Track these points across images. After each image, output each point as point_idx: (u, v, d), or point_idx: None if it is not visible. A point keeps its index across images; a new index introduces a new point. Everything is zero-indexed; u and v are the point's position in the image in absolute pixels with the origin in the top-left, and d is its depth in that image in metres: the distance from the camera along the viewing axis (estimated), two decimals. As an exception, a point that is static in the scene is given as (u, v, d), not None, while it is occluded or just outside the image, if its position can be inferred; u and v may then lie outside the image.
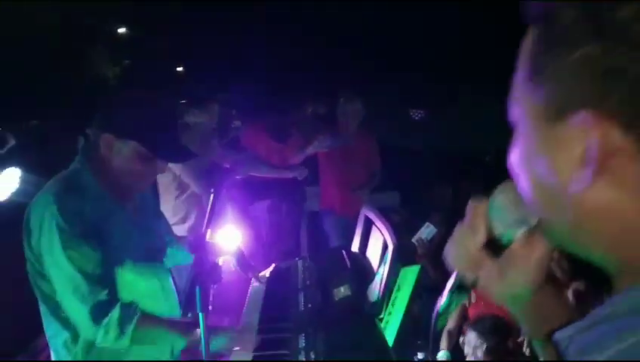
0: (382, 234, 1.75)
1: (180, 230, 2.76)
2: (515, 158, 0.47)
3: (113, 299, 1.34)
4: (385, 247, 1.69)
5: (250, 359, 1.50)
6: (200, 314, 1.25)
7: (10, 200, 2.54)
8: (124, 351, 1.39)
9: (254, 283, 2.10)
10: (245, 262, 2.08)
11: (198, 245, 1.32)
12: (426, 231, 2.94)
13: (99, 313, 1.32)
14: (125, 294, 1.40)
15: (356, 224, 3.44)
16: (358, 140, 3.62)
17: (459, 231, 0.62)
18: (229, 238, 2.40)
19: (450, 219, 3.95)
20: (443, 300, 1.56)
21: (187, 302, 1.25)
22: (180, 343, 1.45)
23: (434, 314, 1.70)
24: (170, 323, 1.43)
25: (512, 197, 0.54)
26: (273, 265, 2.31)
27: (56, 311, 1.40)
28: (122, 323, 1.33)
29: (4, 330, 2.62)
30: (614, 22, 0.36)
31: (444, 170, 4.88)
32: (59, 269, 1.33)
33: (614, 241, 0.41)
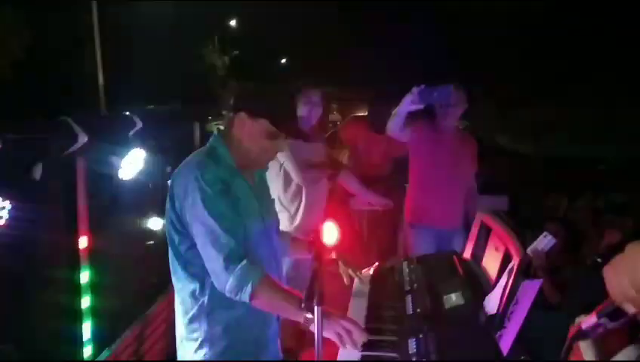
0: (503, 243, 1.63)
1: (282, 216, 2.82)
2: None
3: (244, 252, 1.50)
4: (506, 258, 1.57)
5: (358, 358, 1.47)
6: (316, 308, 1.24)
7: (135, 179, 2.74)
8: (240, 306, 1.53)
9: (357, 282, 2.07)
10: (347, 259, 2.06)
11: (316, 241, 1.33)
12: (544, 241, 2.72)
13: (232, 262, 1.47)
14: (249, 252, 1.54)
15: (447, 235, 3.19)
16: (457, 139, 3.25)
17: (621, 262, 0.60)
18: (329, 234, 2.39)
19: (565, 230, 3.66)
20: (592, 320, 1.41)
21: (307, 299, 1.24)
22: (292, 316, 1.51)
23: (575, 333, 1.56)
24: (291, 296, 1.49)
25: None
26: (376, 263, 2.26)
27: (187, 266, 1.58)
28: (249, 275, 1.46)
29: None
30: None
31: (559, 178, 4.54)
32: (200, 223, 1.50)
33: None
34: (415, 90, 2.73)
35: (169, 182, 1.62)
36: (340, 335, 1.42)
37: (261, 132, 1.59)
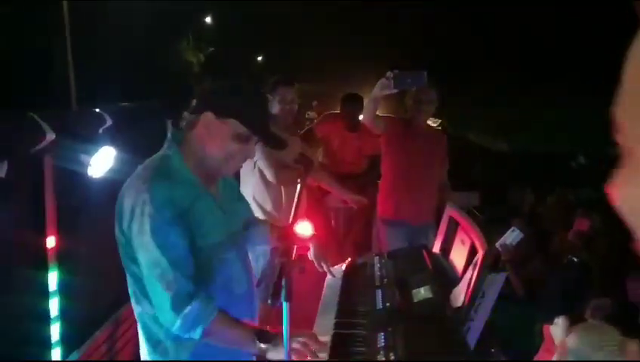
0: (469, 237, 1.67)
1: (257, 214, 2.82)
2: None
3: (196, 290, 1.37)
4: (473, 251, 1.61)
5: (327, 353, 1.48)
6: (285, 304, 1.25)
7: (105, 177, 2.70)
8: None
9: (329, 277, 2.08)
10: (322, 255, 2.06)
11: (286, 235, 1.32)
12: (512, 235, 2.78)
13: (180, 303, 1.35)
14: (207, 279, 1.43)
15: (420, 230, 3.24)
16: (430, 136, 3.32)
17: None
18: (304, 230, 2.40)
19: (531, 224, 3.75)
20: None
21: (274, 292, 1.24)
22: (248, 349, 1.45)
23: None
24: (243, 330, 1.42)
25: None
26: (349, 259, 2.28)
27: (146, 291, 1.43)
28: (199, 319, 1.35)
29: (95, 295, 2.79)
30: None
31: (527, 174, 4.64)
32: (147, 254, 1.37)
33: None
34: (389, 74, 2.72)
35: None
36: (297, 351, 1.39)
37: (229, 134, 1.43)
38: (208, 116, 1.43)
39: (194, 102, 1.50)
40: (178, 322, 1.34)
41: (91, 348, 2.55)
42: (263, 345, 1.37)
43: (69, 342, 2.46)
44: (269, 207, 2.88)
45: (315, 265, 2.03)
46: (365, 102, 3.14)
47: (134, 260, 1.42)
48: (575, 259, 3.25)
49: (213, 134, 1.44)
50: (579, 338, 1.57)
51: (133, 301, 1.51)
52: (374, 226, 3.89)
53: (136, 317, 1.52)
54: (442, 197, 3.27)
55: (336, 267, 2.18)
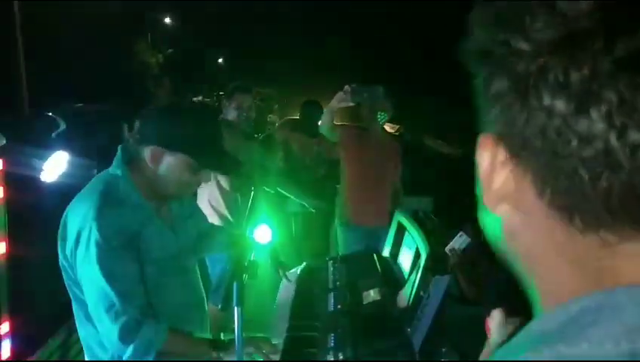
0: (414, 240, 1.76)
1: (213, 219, 2.85)
2: None
3: (144, 317, 1.35)
4: (417, 255, 1.70)
5: (279, 356, 1.54)
6: (236, 309, 1.30)
7: (58, 181, 2.67)
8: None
9: (284, 282, 2.14)
10: (277, 259, 2.11)
11: (237, 241, 1.37)
12: (459, 240, 2.91)
13: (129, 333, 1.33)
14: (157, 295, 1.43)
15: (375, 233, 3.36)
16: (384, 141, 3.43)
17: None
18: (262, 235, 2.45)
19: (480, 229, 3.90)
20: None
21: (226, 297, 1.29)
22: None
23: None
24: (197, 344, 1.44)
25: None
26: (304, 263, 2.34)
27: (90, 316, 1.40)
28: (150, 344, 1.35)
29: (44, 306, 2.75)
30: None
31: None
32: (93, 284, 1.33)
33: (525, 266, 0.42)
34: (347, 87, 2.84)
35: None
36: (249, 355, 1.42)
37: (181, 166, 1.38)
38: (155, 150, 1.38)
39: (139, 127, 1.45)
40: (129, 351, 1.33)
41: (45, 353, 2.51)
42: (217, 354, 1.41)
43: (22, 348, 2.41)
44: (224, 212, 2.91)
45: (272, 268, 2.08)
46: (324, 110, 3.24)
47: (78, 286, 1.39)
48: None
49: (163, 166, 1.39)
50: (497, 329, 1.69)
51: (77, 323, 1.47)
52: (332, 231, 3.98)
53: (80, 339, 1.48)
54: (395, 201, 3.40)
55: (292, 271, 2.24)
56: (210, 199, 2.89)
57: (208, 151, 1.41)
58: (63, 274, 1.42)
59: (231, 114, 2.91)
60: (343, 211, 3.46)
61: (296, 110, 4.22)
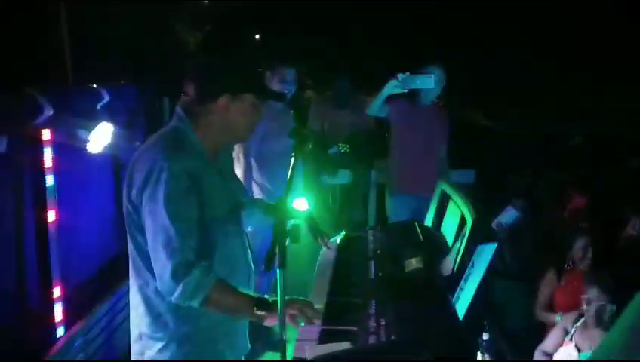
0: (459, 209, 1.71)
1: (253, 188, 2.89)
2: None
3: (198, 259, 1.39)
4: (462, 223, 1.65)
5: (320, 319, 1.53)
6: (278, 271, 1.30)
7: (103, 152, 2.73)
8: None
9: (324, 250, 2.14)
10: (316, 227, 2.11)
11: (277, 207, 1.36)
12: (507, 215, 2.85)
13: (181, 271, 1.36)
14: (209, 252, 1.46)
15: (424, 201, 3.36)
16: (433, 114, 3.44)
17: None
18: (300, 204, 2.45)
19: (530, 206, 3.79)
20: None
21: (268, 260, 1.29)
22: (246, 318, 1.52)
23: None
24: (242, 298, 1.46)
25: None
26: (343, 232, 2.33)
27: (148, 262, 1.44)
28: (198, 288, 1.38)
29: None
30: None
31: (525, 155, 4.68)
32: (155, 220, 1.39)
33: None
34: (400, 75, 3.04)
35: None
36: (293, 316, 1.43)
37: (249, 108, 1.51)
38: (225, 98, 1.47)
39: (199, 83, 1.50)
40: (179, 290, 1.37)
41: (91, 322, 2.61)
42: (260, 312, 1.42)
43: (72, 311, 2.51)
44: (264, 181, 2.93)
45: (312, 236, 2.09)
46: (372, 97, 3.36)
47: (140, 229, 1.44)
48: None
49: (234, 111, 1.49)
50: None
51: (133, 273, 1.53)
52: (371, 202, 3.99)
53: (135, 290, 1.53)
54: (442, 172, 3.39)
55: (331, 240, 2.24)
56: (248, 171, 2.91)
57: (266, 88, 1.64)
58: (126, 220, 1.48)
59: (275, 87, 2.90)
60: (393, 181, 3.54)
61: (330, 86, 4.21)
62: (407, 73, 3.02)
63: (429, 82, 3.06)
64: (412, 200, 3.35)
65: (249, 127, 1.56)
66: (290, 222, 1.42)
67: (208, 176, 1.47)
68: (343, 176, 3.93)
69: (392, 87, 3.10)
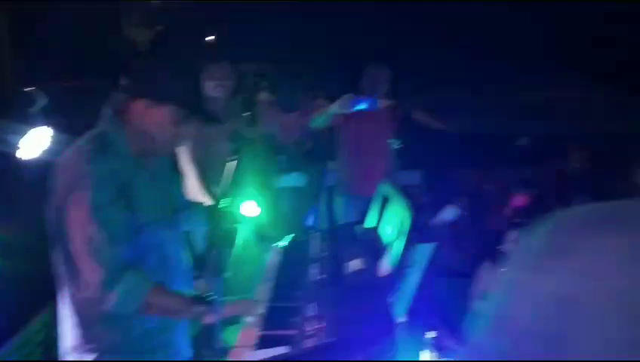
0: (399, 209, 1.75)
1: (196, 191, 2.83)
2: None
3: (129, 265, 1.35)
4: (401, 224, 1.68)
5: (259, 318, 1.53)
6: (216, 278, 1.29)
7: (41, 158, 2.62)
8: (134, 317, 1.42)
9: (272, 252, 2.14)
10: (263, 233, 2.11)
11: (214, 212, 1.35)
12: (447, 213, 2.92)
13: (113, 279, 1.32)
14: (143, 257, 1.43)
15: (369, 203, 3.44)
16: (382, 115, 3.46)
17: None
18: (249, 208, 2.43)
19: (474, 205, 3.91)
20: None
21: (203, 264, 1.27)
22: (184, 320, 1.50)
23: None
24: (179, 299, 1.44)
25: None
26: (291, 236, 2.33)
27: (77, 271, 1.38)
28: (132, 294, 1.34)
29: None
30: None
31: (472, 153, 4.81)
32: (83, 229, 1.33)
33: None
34: (346, 97, 3.18)
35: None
36: (231, 310, 1.45)
37: (167, 119, 1.42)
38: (143, 102, 1.41)
39: (125, 83, 1.46)
40: (112, 298, 1.32)
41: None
42: (199, 309, 1.40)
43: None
44: (207, 183, 2.89)
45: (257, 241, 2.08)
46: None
47: (65, 237, 1.37)
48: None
49: (150, 118, 1.42)
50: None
51: (61, 283, 1.46)
52: (321, 205, 4.00)
53: (64, 301, 1.47)
54: (389, 173, 3.43)
55: (278, 244, 2.24)
56: (191, 171, 2.86)
57: (195, 103, 1.46)
58: (50, 229, 1.41)
59: (207, 87, 2.83)
60: (343, 183, 3.57)
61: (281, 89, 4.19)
62: (352, 95, 3.17)
63: (374, 105, 3.21)
64: (362, 201, 3.38)
65: (164, 139, 1.47)
66: (226, 227, 1.41)
67: (138, 179, 1.43)
68: (295, 179, 3.93)
69: (337, 108, 3.19)
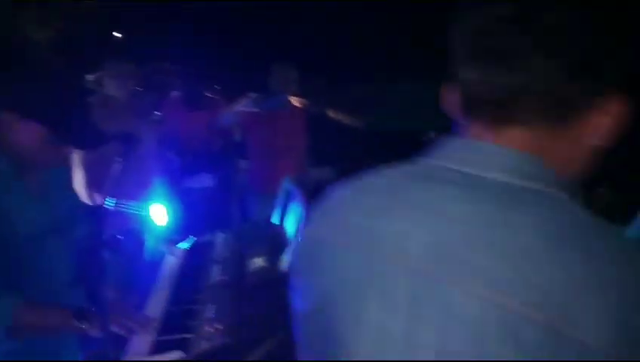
0: (299, 206, 1.74)
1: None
2: None
3: None
4: (302, 220, 1.68)
5: (155, 331, 1.45)
6: (102, 293, 1.20)
7: None
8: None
9: (169, 256, 2.06)
10: (165, 236, 2.02)
11: (96, 214, 1.25)
12: None
13: None
14: (15, 273, 1.30)
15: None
16: (289, 113, 3.47)
17: None
18: (159, 214, 2.33)
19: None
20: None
21: (80, 273, 1.18)
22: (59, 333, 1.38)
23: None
24: (58, 313, 1.33)
25: None
26: (193, 238, 2.26)
27: None
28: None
29: None
30: None
31: (382, 150, 4.94)
32: None
33: None
34: (251, 96, 3.20)
35: None
36: (120, 324, 1.37)
37: (38, 137, 1.25)
38: (9, 117, 1.24)
39: None
40: None
41: None
42: (80, 324, 1.30)
43: None
44: (94, 188, 2.74)
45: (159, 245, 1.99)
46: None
47: None
48: None
49: (17, 134, 1.26)
50: None
51: None
52: (233, 204, 3.93)
53: None
54: (300, 170, 3.44)
55: (179, 246, 2.16)
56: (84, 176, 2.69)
57: (66, 124, 1.25)
58: None
59: (108, 86, 2.70)
60: (252, 182, 3.53)
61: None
62: (257, 94, 3.20)
63: (281, 103, 3.24)
64: (272, 200, 3.36)
65: (40, 157, 1.29)
66: (114, 232, 1.33)
67: (9, 194, 1.29)
68: (204, 180, 3.81)
69: (242, 107, 3.20)
